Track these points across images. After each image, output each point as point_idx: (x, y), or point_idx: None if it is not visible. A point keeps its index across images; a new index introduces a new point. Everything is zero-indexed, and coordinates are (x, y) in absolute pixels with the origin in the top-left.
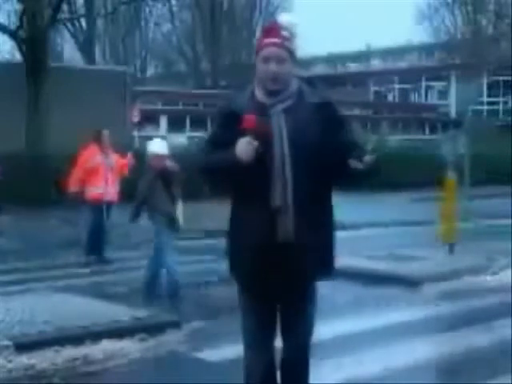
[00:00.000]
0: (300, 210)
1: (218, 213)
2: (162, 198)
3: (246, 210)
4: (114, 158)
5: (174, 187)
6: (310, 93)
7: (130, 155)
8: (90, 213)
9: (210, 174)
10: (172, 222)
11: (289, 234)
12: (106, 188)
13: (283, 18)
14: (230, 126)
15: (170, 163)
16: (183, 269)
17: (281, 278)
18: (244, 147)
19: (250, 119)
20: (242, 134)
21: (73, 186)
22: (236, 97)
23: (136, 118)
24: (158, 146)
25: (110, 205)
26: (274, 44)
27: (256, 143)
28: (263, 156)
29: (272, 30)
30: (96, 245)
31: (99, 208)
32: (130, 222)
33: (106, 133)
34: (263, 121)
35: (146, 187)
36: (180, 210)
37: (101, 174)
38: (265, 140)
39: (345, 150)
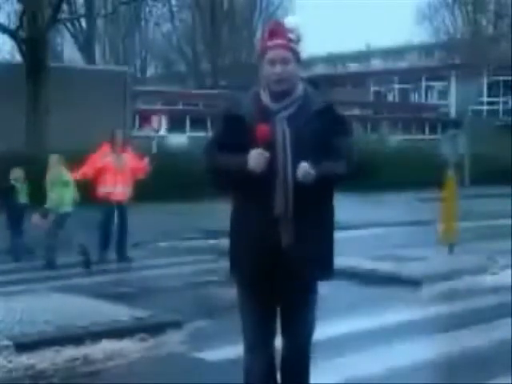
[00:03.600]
0: (301, 213)
1: (218, 213)
2: None
3: (249, 212)
4: (127, 159)
5: None
6: (314, 96)
7: (146, 160)
8: (100, 212)
9: (217, 175)
10: None
11: (290, 238)
12: (114, 188)
13: (289, 20)
14: (234, 128)
15: None
16: (183, 269)
17: (281, 278)
18: (257, 158)
19: (263, 130)
20: (247, 137)
21: (77, 176)
22: (240, 99)
23: (156, 125)
24: None
25: (121, 205)
26: (280, 46)
27: (267, 154)
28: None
29: (277, 31)
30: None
31: (109, 208)
32: None
33: (119, 133)
34: (270, 128)
35: None
36: None
37: (110, 174)
38: (269, 146)
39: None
